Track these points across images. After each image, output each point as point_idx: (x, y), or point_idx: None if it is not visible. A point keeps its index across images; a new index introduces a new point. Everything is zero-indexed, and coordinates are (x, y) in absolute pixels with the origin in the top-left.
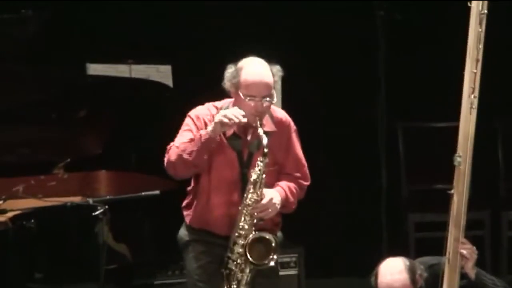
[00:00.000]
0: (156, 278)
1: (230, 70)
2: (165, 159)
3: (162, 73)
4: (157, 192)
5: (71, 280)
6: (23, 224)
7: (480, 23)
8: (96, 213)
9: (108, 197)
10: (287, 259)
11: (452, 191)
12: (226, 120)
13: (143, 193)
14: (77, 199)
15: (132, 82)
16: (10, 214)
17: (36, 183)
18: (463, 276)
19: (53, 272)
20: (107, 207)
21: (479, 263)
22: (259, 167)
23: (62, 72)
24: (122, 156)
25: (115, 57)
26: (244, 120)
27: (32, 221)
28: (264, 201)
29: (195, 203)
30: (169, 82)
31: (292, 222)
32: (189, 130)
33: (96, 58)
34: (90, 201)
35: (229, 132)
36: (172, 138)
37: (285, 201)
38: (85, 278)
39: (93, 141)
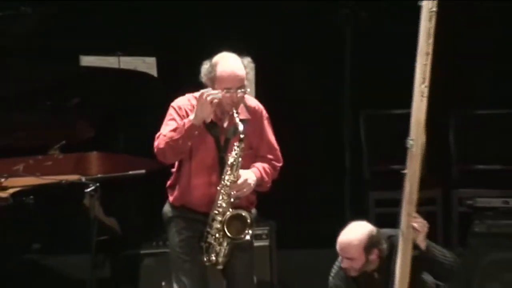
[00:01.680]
0: (142, 249)
1: (205, 66)
2: (155, 147)
3: (147, 65)
4: (143, 171)
5: (65, 250)
6: (23, 199)
7: (430, 20)
8: (88, 190)
9: (99, 175)
10: (260, 232)
11: (405, 171)
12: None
13: (130, 172)
14: (71, 178)
15: (121, 72)
16: (11, 190)
17: (34, 163)
18: (416, 247)
19: (49, 243)
20: (98, 184)
21: (432, 236)
22: (236, 151)
23: (57, 63)
24: (112, 139)
25: (106, 49)
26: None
27: (31, 197)
28: (240, 182)
29: (178, 184)
30: (153, 72)
31: (264, 199)
32: (173, 119)
33: (88, 51)
34: (83, 179)
35: (208, 121)
36: (157, 123)
37: (260, 181)
38: (78, 249)
39: (86, 125)
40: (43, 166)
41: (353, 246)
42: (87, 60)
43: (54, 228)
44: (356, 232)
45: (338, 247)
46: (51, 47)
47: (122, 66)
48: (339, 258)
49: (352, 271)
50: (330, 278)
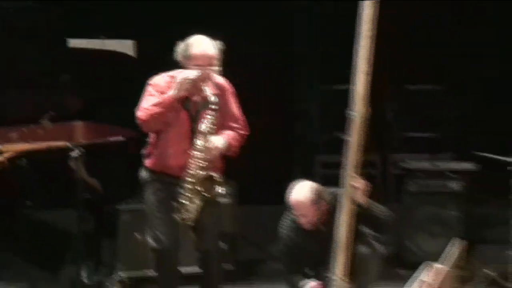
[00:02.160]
0: (120, 205)
1: (180, 47)
2: (138, 119)
3: (126, 47)
4: (121, 138)
5: (54, 207)
6: (17, 162)
7: (372, 6)
8: (74, 154)
9: (83, 142)
10: (223, 192)
11: (349, 138)
12: (186, 76)
13: (110, 139)
14: (59, 144)
15: (105, 53)
16: (7, 155)
17: (27, 131)
18: (356, 203)
19: (40, 200)
20: (82, 150)
21: (371, 194)
22: (208, 121)
23: (49, 45)
24: (96, 111)
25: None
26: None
27: (24, 160)
28: (210, 146)
29: (154, 151)
30: (131, 53)
31: (228, 161)
32: (151, 95)
33: (75, 34)
34: (69, 145)
35: (182, 95)
36: (135, 98)
37: (228, 146)
38: (65, 205)
39: (73, 99)
40: (34, 134)
41: (304, 204)
42: (74, 43)
43: (44, 187)
44: (302, 191)
45: (294, 209)
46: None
47: (105, 48)
48: (289, 212)
49: (309, 225)
50: (281, 229)
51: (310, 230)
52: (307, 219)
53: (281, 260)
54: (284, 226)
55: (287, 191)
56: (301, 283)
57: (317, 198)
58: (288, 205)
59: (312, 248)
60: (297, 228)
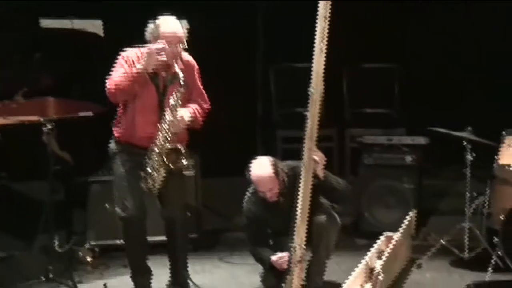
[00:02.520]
0: (90, 177)
1: (150, 26)
2: (107, 89)
3: (95, 27)
4: (90, 113)
5: (27, 179)
6: None
7: None
8: (46, 128)
9: (54, 117)
10: (187, 164)
11: (307, 113)
12: (153, 49)
13: (80, 114)
14: (32, 119)
15: (74, 32)
16: None
17: (2, 106)
18: (315, 176)
19: (15, 171)
20: (54, 124)
21: (329, 167)
22: (176, 95)
23: (22, 24)
24: (66, 87)
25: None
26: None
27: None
28: (178, 118)
29: (123, 123)
30: (100, 33)
31: (191, 133)
32: (122, 67)
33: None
34: (42, 119)
35: (150, 71)
36: (103, 75)
37: (194, 119)
38: (38, 176)
39: (45, 76)
40: (9, 109)
41: (267, 179)
42: (46, 22)
43: (18, 159)
44: (263, 167)
45: (256, 184)
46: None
47: (74, 27)
48: (251, 186)
49: (274, 197)
50: (244, 203)
51: (272, 203)
52: (268, 193)
53: (245, 233)
54: (247, 200)
55: (248, 167)
56: (265, 254)
57: (277, 172)
58: (250, 180)
59: (274, 220)
60: (259, 201)
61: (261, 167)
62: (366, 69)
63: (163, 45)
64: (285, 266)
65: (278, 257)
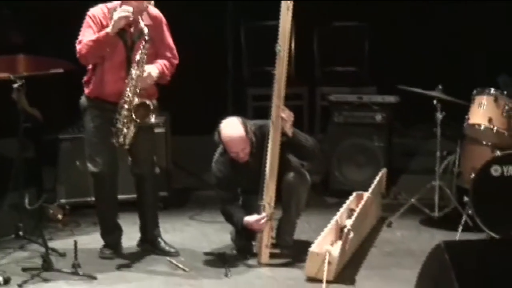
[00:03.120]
0: (61, 134)
1: None
2: (77, 53)
3: None
4: (61, 70)
5: None
6: None
7: None
8: (16, 85)
9: (24, 74)
10: (157, 120)
11: (274, 71)
12: (123, 14)
13: (50, 71)
14: (1, 76)
15: None
16: None
17: None
18: (284, 134)
19: None
20: (24, 81)
21: (299, 126)
22: (142, 51)
23: None
24: (36, 45)
25: None
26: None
27: None
28: (145, 75)
29: (92, 79)
30: None
31: (162, 92)
32: (90, 27)
33: None
34: (11, 76)
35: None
36: (72, 32)
37: (162, 74)
38: (7, 134)
39: (14, 33)
40: None
41: (238, 139)
42: None
43: None
44: (234, 127)
45: (228, 145)
46: None
47: None
48: (219, 147)
49: (245, 157)
50: (213, 164)
51: (241, 163)
52: (241, 153)
53: (215, 193)
54: (215, 161)
55: (216, 129)
56: (237, 215)
57: (247, 131)
58: (218, 141)
59: (243, 180)
60: (228, 162)
61: (233, 128)
62: (336, 28)
63: (130, 8)
64: (256, 229)
65: (250, 223)
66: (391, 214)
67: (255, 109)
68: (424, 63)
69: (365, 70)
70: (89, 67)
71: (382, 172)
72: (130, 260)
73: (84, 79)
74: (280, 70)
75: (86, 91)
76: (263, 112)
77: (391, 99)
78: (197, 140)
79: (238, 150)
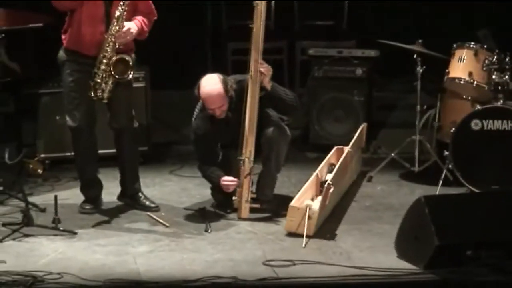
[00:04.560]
0: (40, 88)
1: None
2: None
3: None
4: (40, 24)
5: None
6: None
7: None
8: None
9: (4, 27)
10: (137, 75)
11: (252, 25)
12: None
13: (30, 25)
14: None
15: None
16: None
17: None
18: (262, 88)
19: None
20: (3, 35)
21: (279, 80)
22: (122, 7)
23: None
24: None
25: None
26: None
27: None
28: (124, 30)
29: (70, 30)
30: None
31: (141, 46)
32: None
33: None
34: None
35: None
36: None
37: (140, 30)
38: None
39: None
40: None
41: (216, 96)
42: None
43: None
44: (213, 84)
45: (205, 102)
46: None
47: None
48: (200, 102)
49: (222, 114)
50: (193, 120)
51: (221, 119)
52: (218, 110)
53: (194, 150)
54: (195, 116)
55: (197, 85)
56: (214, 174)
57: (226, 89)
58: (197, 97)
59: (223, 135)
60: (208, 118)
61: (211, 85)
62: None
63: None
64: (231, 190)
65: (226, 183)
66: (371, 169)
67: (235, 63)
68: (404, 17)
69: (345, 24)
70: (67, 18)
71: (362, 126)
72: (110, 215)
73: (63, 29)
74: (258, 24)
75: (64, 43)
76: (243, 66)
77: (371, 53)
78: (178, 94)
79: (215, 108)
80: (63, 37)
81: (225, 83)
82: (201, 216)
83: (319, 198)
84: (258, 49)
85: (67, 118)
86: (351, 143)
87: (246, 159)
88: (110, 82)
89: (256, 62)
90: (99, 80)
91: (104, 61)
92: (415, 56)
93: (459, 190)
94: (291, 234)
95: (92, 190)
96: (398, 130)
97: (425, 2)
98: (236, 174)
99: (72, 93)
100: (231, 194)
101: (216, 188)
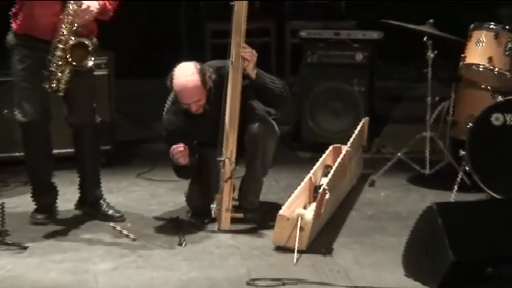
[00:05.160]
0: None
1: None
2: None
3: None
4: None
5: None
6: None
7: None
8: None
9: None
10: (99, 61)
11: (233, 3)
12: None
13: None
14: None
15: None
16: None
17: None
18: (246, 76)
19: None
20: None
21: (266, 66)
22: None
23: None
24: None
25: None
26: None
27: None
28: (83, 8)
29: (22, 12)
30: None
31: (104, 28)
32: None
33: None
34: None
35: None
36: None
37: (103, 8)
38: None
39: None
40: None
41: (193, 89)
42: None
43: None
44: (188, 76)
45: (180, 95)
46: None
47: None
48: (172, 93)
49: (199, 109)
50: (164, 114)
51: (195, 113)
52: (194, 105)
53: (166, 149)
54: (167, 110)
55: (170, 74)
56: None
57: (204, 81)
58: (170, 88)
59: (199, 131)
60: (181, 111)
61: (186, 76)
62: None
63: None
64: (181, 160)
65: (175, 151)
66: (374, 171)
67: (214, 47)
68: None
69: (342, 2)
70: None
71: (363, 121)
72: (67, 226)
73: (13, 11)
74: (240, 2)
75: (14, 25)
76: (223, 51)
77: (373, 35)
78: (146, 84)
79: (190, 102)
80: (12, 19)
81: (202, 74)
82: (174, 227)
83: (313, 205)
84: (241, 30)
85: (17, 113)
86: (350, 141)
87: (227, 160)
88: (66, 71)
89: (238, 46)
90: (54, 69)
91: (60, 46)
92: (425, 38)
93: (477, 196)
94: (279, 249)
95: (45, 197)
96: (405, 125)
97: None
98: (215, 178)
99: (22, 83)
100: (209, 201)
101: (193, 189)
